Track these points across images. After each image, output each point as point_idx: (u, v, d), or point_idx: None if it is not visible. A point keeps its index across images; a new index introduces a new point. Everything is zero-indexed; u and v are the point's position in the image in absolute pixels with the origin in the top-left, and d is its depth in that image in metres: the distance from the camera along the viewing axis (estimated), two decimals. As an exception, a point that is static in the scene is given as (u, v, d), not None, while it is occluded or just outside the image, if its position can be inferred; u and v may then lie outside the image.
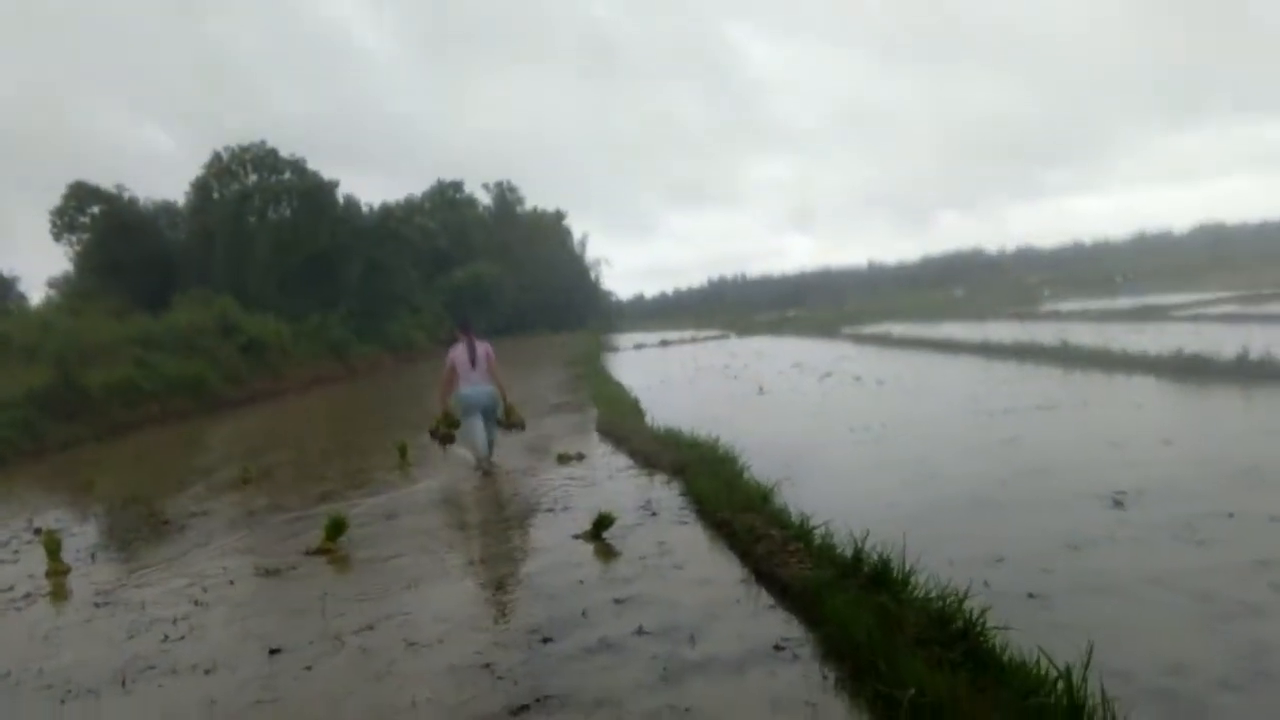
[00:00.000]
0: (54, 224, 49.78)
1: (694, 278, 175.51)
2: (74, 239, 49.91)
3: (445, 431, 9.81)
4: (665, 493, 7.40)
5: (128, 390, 22.77)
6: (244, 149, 50.84)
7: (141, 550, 7.39)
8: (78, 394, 20.85)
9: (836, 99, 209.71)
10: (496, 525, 7.01)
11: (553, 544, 6.11)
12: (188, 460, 14.72)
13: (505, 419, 9.89)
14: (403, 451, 10.75)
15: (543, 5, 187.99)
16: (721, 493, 6.50)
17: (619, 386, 17.49)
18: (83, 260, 49.12)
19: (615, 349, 41.82)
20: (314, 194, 49.38)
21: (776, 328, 45.82)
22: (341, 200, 51.33)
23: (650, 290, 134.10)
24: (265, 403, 27.15)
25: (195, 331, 30.00)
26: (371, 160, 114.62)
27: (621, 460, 9.30)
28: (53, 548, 6.73)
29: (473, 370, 9.53)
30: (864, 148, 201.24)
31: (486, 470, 9.43)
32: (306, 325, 39.13)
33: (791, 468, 8.19)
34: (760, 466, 7.66)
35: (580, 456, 9.65)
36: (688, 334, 48.29)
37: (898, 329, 31.43)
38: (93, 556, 7.22)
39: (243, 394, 27.87)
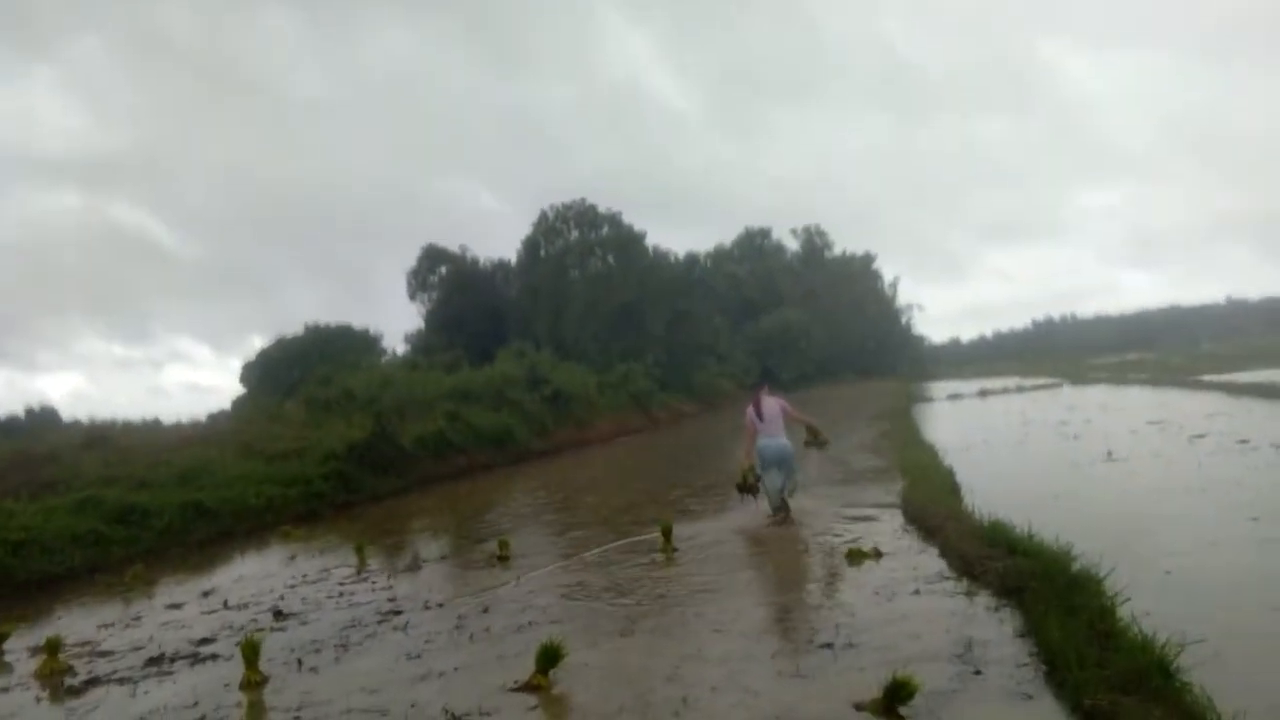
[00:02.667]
0: (410, 284, 54.33)
1: (1016, 319, 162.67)
2: (425, 297, 54.09)
3: (750, 482, 10.27)
4: (993, 629, 5.25)
5: (438, 443, 23.48)
6: (567, 206, 53.05)
7: (351, 658, 6.38)
8: (392, 447, 21.68)
9: (1173, 113, 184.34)
10: (755, 665, 5.20)
11: (824, 716, 4.23)
12: (467, 521, 14.30)
13: (814, 439, 11.08)
14: (667, 534, 9.22)
15: (834, 41, 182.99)
16: (1087, 647, 4.30)
17: (931, 451, 15.03)
18: (431, 316, 53.09)
19: (928, 399, 38.48)
20: (625, 245, 50.50)
21: (1119, 375, 40.03)
22: (651, 251, 52.14)
23: (967, 334, 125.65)
24: (567, 455, 27.18)
25: (506, 383, 30.93)
26: (675, 212, 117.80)
27: (931, 562, 7.17)
28: (250, 655, 5.88)
29: (762, 424, 10.17)
30: (1211, 167, 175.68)
31: (779, 522, 9.91)
32: (612, 375, 39.56)
33: (1174, 586, 5.77)
34: (1132, 584, 5.34)
35: (878, 554, 7.62)
36: (1011, 382, 43.67)
37: (1285, 377, 25.82)
38: (299, 663, 6.31)
39: (547, 445, 28.14)
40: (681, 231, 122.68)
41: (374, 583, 9.30)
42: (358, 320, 51.68)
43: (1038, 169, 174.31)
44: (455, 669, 5.70)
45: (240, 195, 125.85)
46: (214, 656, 6.84)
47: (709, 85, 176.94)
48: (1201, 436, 14.63)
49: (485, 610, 7.25)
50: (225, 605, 8.97)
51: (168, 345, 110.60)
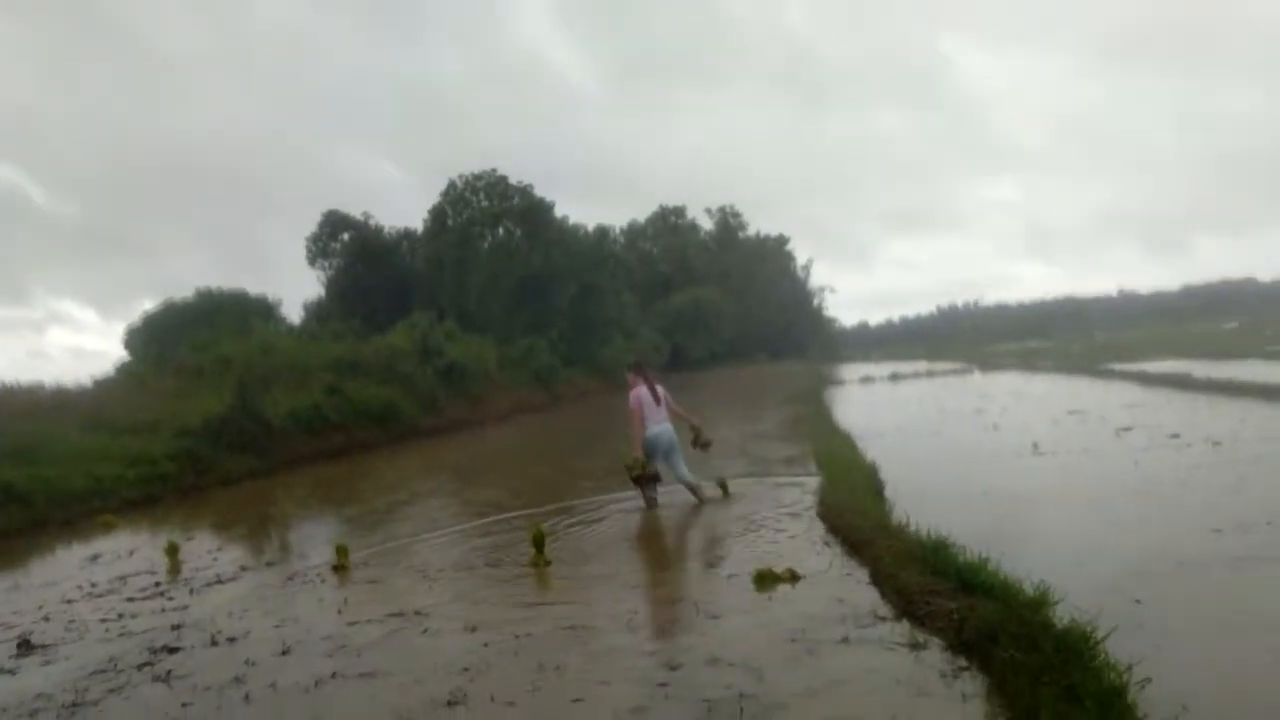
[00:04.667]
0: (309, 250, 52.21)
1: (921, 305, 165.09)
2: (326, 264, 52.13)
3: (649, 472, 9.51)
4: (956, 712, 3.78)
5: (311, 418, 21.33)
6: (476, 177, 51.11)
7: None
8: (256, 422, 19.49)
9: (1067, 112, 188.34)
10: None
11: None
12: (322, 512, 12.48)
13: (697, 439, 10.01)
14: (539, 543, 7.55)
15: (740, 29, 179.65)
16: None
17: (848, 441, 13.73)
18: (332, 285, 51.16)
19: (839, 382, 37.68)
20: (530, 214, 48.52)
21: (1027, 361, 39.85)
22: (560, 222, 50.31)
23: (874, 319, 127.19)
24: (457, 433, 25.30)
25: (395, 355, 28.78)
26: (580, 190, 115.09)
27: (860, 591, 5.70)
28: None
29: (657, 409, 9.66)
30: (1103, 166, 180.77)
31: (704, 500, 9.62)
32: (514, 350, 37.66)
33: (1153, 624, 4.48)
34: (1104, 618, 4.01)
35: (794, 577, 6.11)
36: (921, 366, 43.35)
37: (1195, 368, 25.49)
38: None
39: (437, 423, 26.12)
40: (586, 210, 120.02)
41: (170, 598, 7.44)
42: (254, 287, 48.86)
43: (937, 161, 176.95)
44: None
45: (118, 153, 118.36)
46: (-105, 718, 4.96)
47: (611, 62, 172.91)
48: (1128, 429, 13.69)
49: (284, 652, 5.50)
50: (-30, 629, 7.00)
51: (47, 307, 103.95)
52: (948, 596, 4.97)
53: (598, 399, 38.06)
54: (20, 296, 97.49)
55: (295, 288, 72.55)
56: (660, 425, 9.59)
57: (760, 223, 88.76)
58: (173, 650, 5.76)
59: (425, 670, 4.89)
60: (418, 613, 6.09)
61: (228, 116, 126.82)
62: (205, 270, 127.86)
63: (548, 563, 7.28)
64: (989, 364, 41.67)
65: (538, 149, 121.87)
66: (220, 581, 7.90)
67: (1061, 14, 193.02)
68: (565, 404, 35.52)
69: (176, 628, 6.31)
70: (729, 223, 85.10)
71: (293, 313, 49.08)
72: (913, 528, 6.69)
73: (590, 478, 12.75)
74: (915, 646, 4.54)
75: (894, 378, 36.68)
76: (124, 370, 40.20)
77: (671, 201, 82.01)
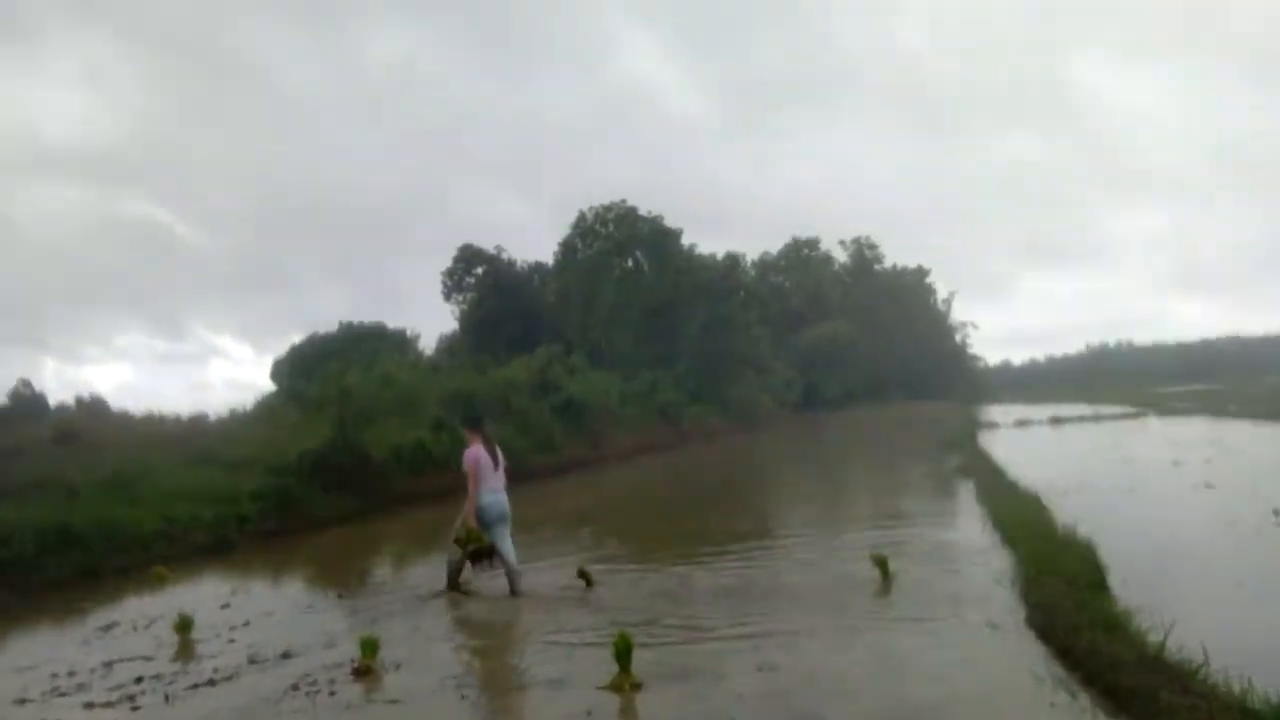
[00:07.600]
0: (444, 284, 52.24)
1: (1065, 343, 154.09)
2: (461, 298, 52.08)
3: (483, 546, 8.50)
4: None
5: (415, 456, 19.76)
6: (606, 208, 50.17)
7: None
8: (355, 459, 18.02)
9: (1217, 135, 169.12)
10: None
11: None
12: (393, 567, 10.66)
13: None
14: (623, 656, 5.32)
15: (850, 50, 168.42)
16: None
17: (1034, 503, 11.00)
18: (465, 318, 51.00)
19: (992, 425, 34.23)
20: (657, 241, 46.89)
21: (1211, 406, 35.32)
22: (687, 250, 48.59)
23: (1015, 357, 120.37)
24: (574, 474, 23.38)
25: (511, 389, 27.18)
26: (706, 223, 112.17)
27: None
28: None
29: (494, 473, 8.77)
30: (1263, 193, 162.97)
31: (520, 591, 8.47)
32: (638, 384, 35.73)
33: None
34: None
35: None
36: (1083, 410, 39.39)
37: None
38: None
39: (551, 463, 24.14)
40: (714, 243, 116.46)
41: (136, 706, 5.57)
42: (394, 321, 49.10)
43: (1074, 189, 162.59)
44: None
45: (259, 192, 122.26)
46: None
47: (723, 90, 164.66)
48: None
49: None
50: None
51: (207, 341, 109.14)
52: None
53: (726, 440, 35.64)
54: (178, 331, 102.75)
55: (435, 322, 73.10)
56: (497, 493, 8.72)
57: (892, 255, 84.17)
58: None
59: None
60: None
61: (356, 154, 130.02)
62: (349, 305, 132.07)
63: (636, 686, 5.06)
64: (1164, 408, 37.48)
65: (659, 182, 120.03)
66: (211, 683, 5.96)
67: (1204, 25, 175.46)
68: (692, 443, 33.21)
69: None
70: (864, 254, 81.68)
71: (430, 347, 49.12)
72: (1208, 664, 4.18)
73: (711, 541, 10.53)
74: None
75: (1054, 422, 33.13)
76: (262, 403, 40.61)
77: (801, 233, 78.88)
